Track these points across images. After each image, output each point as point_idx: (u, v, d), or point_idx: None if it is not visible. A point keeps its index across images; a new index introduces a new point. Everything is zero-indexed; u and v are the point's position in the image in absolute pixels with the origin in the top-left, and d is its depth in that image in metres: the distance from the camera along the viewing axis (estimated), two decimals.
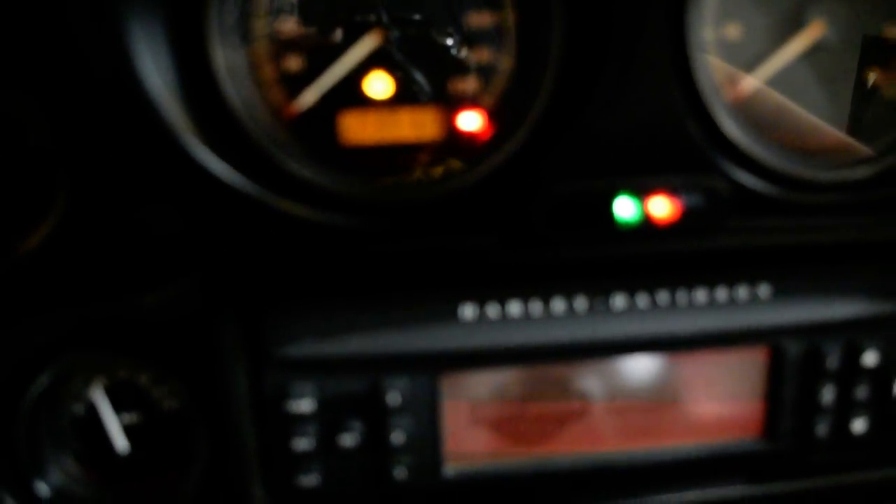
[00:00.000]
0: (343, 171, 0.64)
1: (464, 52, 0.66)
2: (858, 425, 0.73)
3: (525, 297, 0.67)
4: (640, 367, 0.71)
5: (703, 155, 0.64)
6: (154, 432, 0.70)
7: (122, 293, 0.64)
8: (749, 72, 0.66)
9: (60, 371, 0.66)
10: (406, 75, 0.66)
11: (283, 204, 0.62)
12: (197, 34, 0.60)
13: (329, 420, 0.67)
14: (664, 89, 0.62)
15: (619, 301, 0.68)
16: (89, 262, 0.63)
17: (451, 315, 0.66)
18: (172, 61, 0.60)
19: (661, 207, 0.64)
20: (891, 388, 0.72)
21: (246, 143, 0.62)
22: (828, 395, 0.72)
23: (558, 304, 0.67)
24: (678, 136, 0.63)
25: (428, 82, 0.66)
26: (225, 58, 0.61)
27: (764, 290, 0.69)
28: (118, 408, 0.69)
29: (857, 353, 0.71)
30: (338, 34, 0.65)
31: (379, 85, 0.65)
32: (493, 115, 0.66)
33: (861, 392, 0.72)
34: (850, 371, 0.71)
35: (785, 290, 0.69)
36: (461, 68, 0.66)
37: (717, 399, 0.73)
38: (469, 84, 0.66)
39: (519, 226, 0.64)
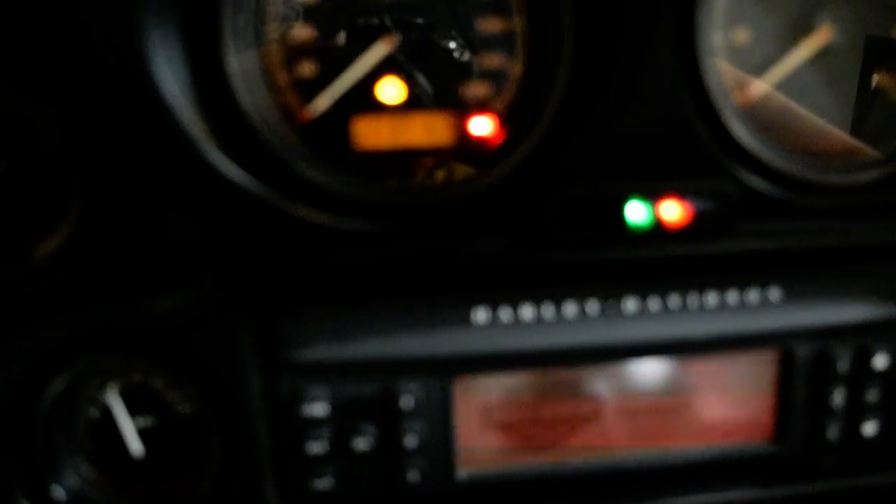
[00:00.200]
0: (356, 176, 0.64)
1: (466, 56, 0.66)
2: (869, 428, 0.73)
3: (537, 301, 0.67)
4: (652, 371, 0.71)
5: (713, 159, 0.64)
6: (168, 436, 0.70)
7: (138, 297, 0.64)
8: (758, 76, 0.66)
9: (76, 374, 0.67)
10: (413, 79, 0.66)
11: (296, 208, 0.63)
12: (211, 40, 0.60)
13: (343, 424, 0.67)
14: (674, 93, 0.62)
15: (630, 305, 0.68)
16: (105, 267, 0.63)
17: (464, 319, 0.67)
18: (187, 66, 0.60)
19: (672, 211, 0.65)
20: None
21: (260, 148, 0.62)
22: (838, 398, 0.72)
23: (570, 308, 0.67)
24: (688, 140, 0.64)
25: (433, 87, 0.67)
26: (239, 63, 0.61)
27: (774, 293, 0.69)
28: (133, 411, 0.70)
29: (867, 356, 0.71)
30: (341, 38, 0.65)
31: (391, 90, 0.66)
32: (505, 120, 0.66)
33: (872, 395, 0.72)
34: (861, 374, 0.71)
35: (795, 293, 0.69)
36: (466, 72, 0.66)
37: (727, 402, 0.73)
38: (480, 89, 0.66)
39: (531, 230, 0.65)
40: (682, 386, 0.72)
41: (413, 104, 0.66)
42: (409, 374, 0.67)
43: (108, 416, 0.70)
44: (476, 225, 0.65)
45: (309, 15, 0.65)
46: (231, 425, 0.68)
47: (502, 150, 0.65)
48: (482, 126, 0.66)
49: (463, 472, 0.71)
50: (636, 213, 0.65)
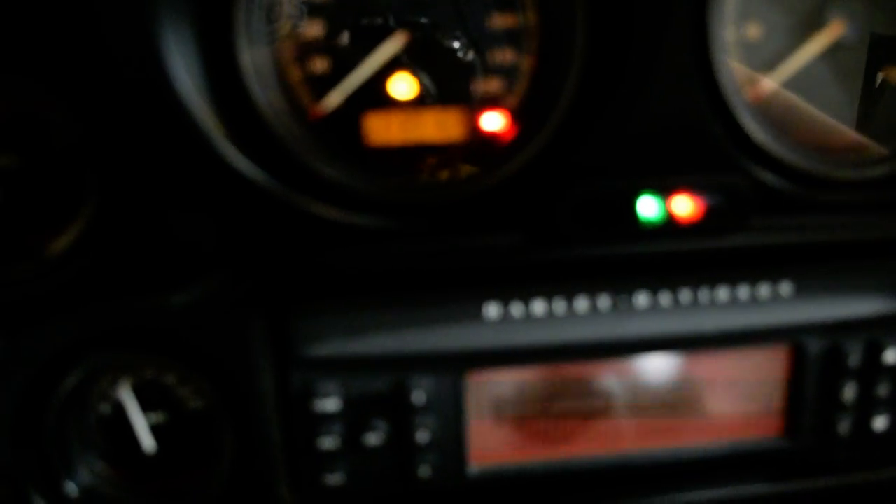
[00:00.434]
0: (368, 172, 0.64)
1: (471, 55, 0.66)
2: (880, 423, 0.73)
3: (549, 296, 0.67)
4: (663, 366, 0.71)
5: (724, 154, 0.65)
6: (180, 431, 0.70)
7: (150, 294, 0.64)
8: (770, 71, 0.66)
9: (88, 371, 0.67)
10: (425, 75, 0.66)
11: (309, 204, 0.63)
12: (225, 36, 0.60)
13: (354, 419, 0.68)
14: (686, 89, 0.62)
15: (641, 300, 0.68)
16: (117, 264, 0.63)
17: (476, 314, 0.67)
18: (201, 63, 0.60)
19: (684, 206, 0.65)
20: None
21: (273, 144, 0.62)
22: (849, 392, 0.72)
23: (582, 303, 0.67)
24: (700, 135, 0.64)
25: (438, 85, 0.67)
26: (252, 60, 0.61)
27: (785, 288, 0.69)
28: (145, 407, 0.70)
29: (878, 350, 0.71)
30: (345, 37, 0.65)
31: (403, 86, 0.66)
32: (517, 116, 0.66)
33: (883, 389, 0.72)
34: (872, 369, 0.71)
35: (806, 288, 0.69)
36: (469, 72, 0.67)
37: (738, 397, 0.73)
38: (492, 85, 0.66)
39: (543, 225, 0.65)
40: (693, 381, 0.72)
41: (425, 100, 0.66)
42: (420, 369, 0.67)
43: (120, 413, 0.70)
44: (488, 220, 0.65)
45: (314, 13, 0.65)
46: (243, 421, 0.68)
47: (514, 146, 0.66)
48: (494, 122, 0.66)
49: (474, 467, 0.71)
50: (648, 208, 0.65)
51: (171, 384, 0.70)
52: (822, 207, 0.68)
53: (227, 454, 0.69)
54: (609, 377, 0.71)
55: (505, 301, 0.67)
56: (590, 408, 0.71)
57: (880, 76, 0.71)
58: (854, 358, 0.71)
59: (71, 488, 0.69)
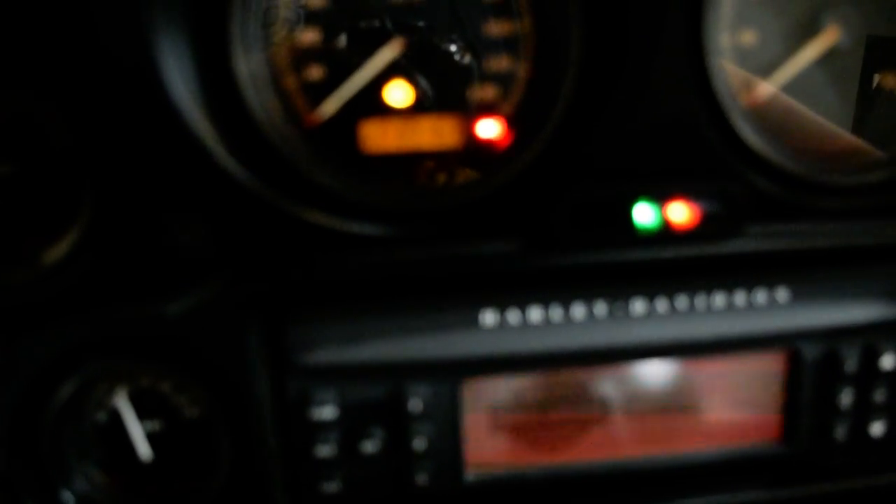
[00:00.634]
0: (364, 179, 0.64)
1: (468, 59, 0.66)
2: (877, 428, 0.73)
3: (545, 303, 0.67)
4: (659, 373, 0.71)
5: (721, 160, 0.65)
6: (177, 439, 0.70)
7: (147, 302, 0.64)
8: (765, 77, 0.66)
9: (85, 379, 0.67)
10: (419, 82, 0.66)
11: (305, 212, 0.63)
12: (220, 43, 0.60)
13: (351, 427, 0.67)
14: (682, 95, 0.63)
15: (638, 306, 0.68)
16: (114, 271, 0.63)
17: (473, 321, 0.67)
18: (196, 70, 0.60)
19: (680, 213, 0.65)
20: None
21: (269, 152, 0.62)
22: (846, 398, 0.72)
23: (578, 310, 0.67)
24: (696, 142, 0.64)
25: (436, 90, 0.67)
26: (247, 67, 0.61)
27: (782, 294, 0.69)
28: (141, 415, 0.70)
29: (875, 356, 0.71)
30: (342, 41, 0.65)
31: (399, 93, 0.66)
32: (513, 123, 0.66)
33: (879, 395, 0.72)
34: (869, 374, 0.71)
35: (803, 294, 0.69)
36: (467, 75, 0.67)
37: (735, 404, 0.73)
38: (487, 92, 0.66)
39: (539, 232, 0.65)
40: (690, 387, 0.72)
41: (421, 107, 0.66)
42: (417, 376, 0.67)
43: (116, 421, 0.70)
44: (484, 227, 0.65)
45: (311, 18, 0.65)
46: (240, 429, 0.68)
47: (510, 153, 0.66)
48: (490, 129, 0.66)
49: (471, 474, 0.71)
50: (644, 214, 0.65)
51: (168, 392, 0.70)
52: (819, 213, 0.68)
53: (223, 462, 0.69)
54: (606, 384, 0.71)
55: (501, 308, 0.67)
56: (586, 414, 0.71)
57: (876, 80, 0.71)
58: (851, 363, 0.71)
59: (67, 497, 0.69)
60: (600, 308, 0.68)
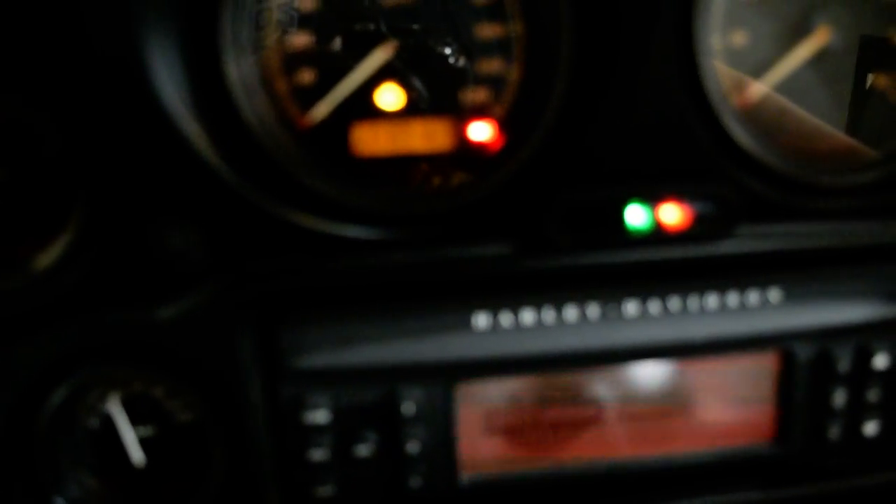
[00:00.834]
0: (356, 183, 0.64)
1: (462, 62, 0.66)
2: (871, 428, 0.73)
3: (538, 305, 0.67)
4: (653, 374, 0.71)
5: (712, 161, 0.65)
6: (170, 445, 0.70)
7: (139, 307, 0.64)
8: (757, 78, 0.66)
9: (77, 385, 0.66)
10: (411, 85, 0.66)
11: (297, 216, 0.63)
12: (211, 47, 0.60)
13: (344, 431, 0.67)
14: (673, 96, 0.63)
15: (631, 308, 0.68)
16: (106, 276, 0.63)
17: (465, 324, 0.67)
18: (186, 74, 0.60)
19: (672, 214, 0.65)
20: None
21: (260, 156, 0.62)
22: (839, 398, 0.72)
23: (571, 312, 0.67)
24: (688, 143, 0.64)
25: (432, 92, 0.67)
26: (238, 71, 0.61)
27: (774, 294, 0.69)
28: (134, 421, 0.70)
29: (868, 355, 0.71)
30: (337, 43, 0.65)
31: (390, 96, 0.66)
32: (504, 125, 0.66)
33: (873, 395, 0.72)
34: (862, 374, 0.71)
35: (795, 294, 0.69)
36: (463, 78, 0.66)
37: (729, 404, 0.73)
38: (479, 95, 0.66)
39: (531, 234, 0.65)
40: (683, 389, 0.72)
41: (412, 110, 0.66)
42: (410, 379, 0.67)
43: (109, 426, 0.69)
44: (476, 231, 0.65)
45: (305, 21, 0.65)
46: (233, 433, 0.68)
47: (502, 156, 0.66)
48: (481, 132, 0.66)
49: (465, 477, 0.71)
50: (636, 216, 0.65)
51: (161, 397, 0.69)
52: (811, 214, 0.68)
53: (217, 467, 0.69)
54: (599, 385, 0.71)
55: (494, 311, 0.67)
56: (580, 416, 0.71)
57: (869, 80, 0.71)
58: (844, 363, 0.71)
59: (60, 503, 0.69)
60: (593, 310, 0.68)
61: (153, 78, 0.57)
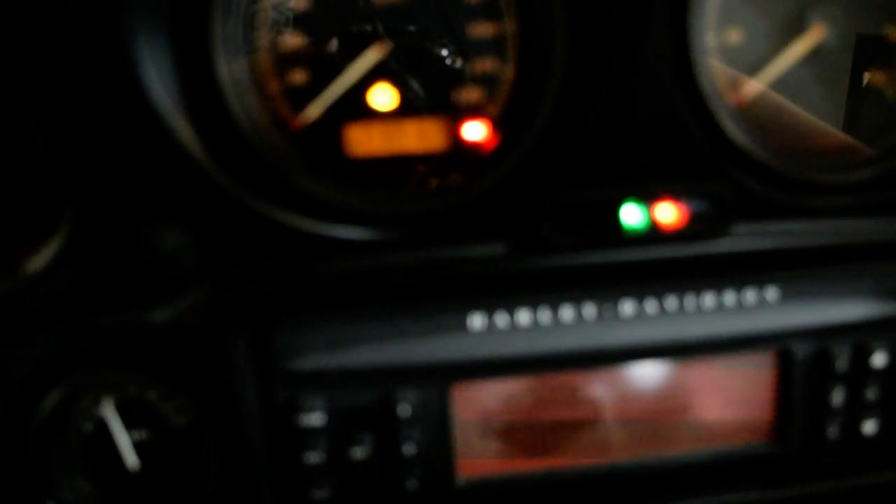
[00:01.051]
0: (350, 184, 0.64)
1: (459, 63, 0.66)
2: (869, 427, 0.72)
3: (534, 306, 0.67)
4: (650, 374, 0.71)
5: (707, 159, 0.64)
6: (164, 448, 0.70)
7: (131, 310, 0.63)
8: (752, 76, 0.66)
9: (70, 389, 0.66)
10: (405, 85, 0.66)
11: (290, 217, 0.62)
12: (202, 47, 0.60)
13: (340, 433, 0.67)
14: (668, 94, 0.62)
15: (627, 307, 0.67)
16: (97, 280, 0.63)
17: (461, 325, 0.66)
18: (177, 75, 0.60)
19: (668, 213, 0.65)
20: None
21: (252, 157, 0.62)
22: (838, 397, 0.71)
23: (567, 312, 0.67)
24: (683, 141, 0.64)
25: (426, 92, 0.66)
26: (229, 71, 0.61)
27: (771, 293, 0.69)
28: (128, 424, 0.69)
29: (866, 354, 0.71)
30: (333, 44, 0.65)
31: (383, 97, 0.65)
32: (498, 125, 0.66)
33: (871, 393, 0.72)
34: (860, 372, 0.71)
35: (792, 293, 0.69)
36: (459, 78, 0.66)
37: (727, 404, 0.72)
38: (473, 94, 0.66)
39: (526, 235, 0.64)
40: (681, 388, 0.72)
41: (406, 110, 0.65)
42: (405, 381, 0.67)
43: (103, 430, 0.69)
44: (471, 231, 0.65)
45: (300, 21, 0.64)
46: (228, 437, 0.67)
47: (496, 156, 0.65)
48: (475, 131, 0.66)
49: (462, 478, 0.70)
50: (632, 215, 0.64)
51: (155, 401, 0.69)
52: (807, 212, 0.68)
53: (211, 470, 0.68)
54: (596, 386, 0.70)
55: (489, 311, 0.66)
56: (577, 417, 0.71)
57: (866, 77, 0.71)
58: (842, 362, 0.70)
59: None
60: (589, 310, 0.67)
61: (143, 78, 0.57)
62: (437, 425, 0.68)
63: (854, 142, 0.71)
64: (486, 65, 0.65)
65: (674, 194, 0.64)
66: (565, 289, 0.67)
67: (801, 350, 0.71)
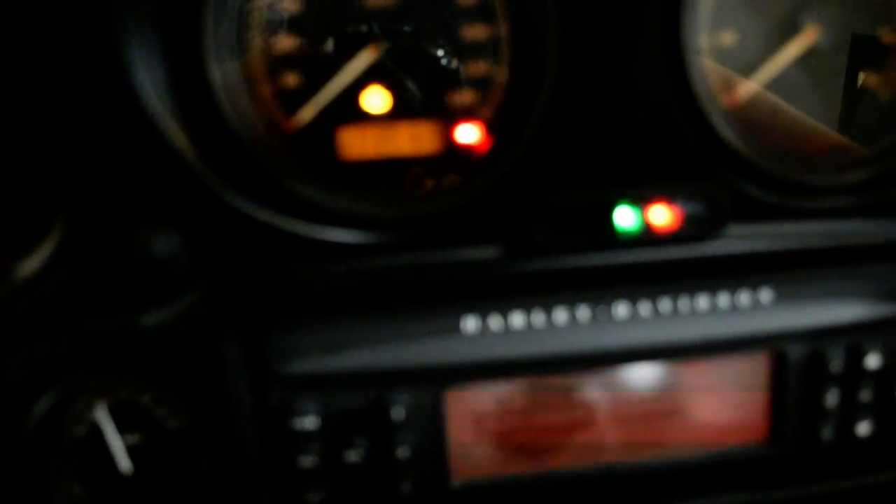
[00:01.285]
0: (343, 187, 0.64)
1: (454, 64, 0.66)
2: (863, 428, 0.73)
3: (527, 309, 0.66)
4: (645, 376, 0.71)
5: (701, 161, 0.64)
6: (158, 452, 0.69)
7: (124, 313, 0.63)
8: (745, 77, 0.66)
9: (63, 393, 0.66)
10: (400, 87, 0.66)
11: (283, 220, 0.62)
12: (194, 51, 0.59)
13: (334, 436, 0.67)
14: (661, 97, 0.62)
15: (621, 310, 0.67)
16: (90, 283, 0.63)
17: (454, 328, 0.66)
18: (169, 78, 0.60)
19: (661, 216, 0.64)
20: (894, 389, 0.72)
21: (245, 160, 0.61)
22: (832, 398, 0.71)
23: (561, 315, 0.67)
24: (676, 144, 0.64)
25: (422, 94, 0.66)
26: (222, 74, 0.61)
27: (765, 295, 0.69)
28: (121, 428, 0.69)
29: (859, 355, 0.71)
30: (329, 45, 0.65)
31: (376, 99, 0.65)
32: (492, 128, 0.66)
33: (865, 395, 0.72)
34: (854, 374, 0.71)
35: (786, 294, 0.69)
36: (454, 80, 0.66)
37: (721, 406, 0.73)
38: (466, 97, 0.66)
39: (520, 237, 0.64)
40: (675, 390, 0.72)
41: (399, 113, 0.65)
42: (399, 385, 0.67)
43: (96, 434, 0.69)
44: (464, 234, 0.64)
45: (295, 23, 0.64)
46: (221, 440, 0.67)
47: (489, 158, 0.65)
48: (469, 134, 0.66)
49: (456, 482, 0.70)
50: (625, 218, 0.64)
51: (148, 404, 0.69)
52: (801, 214, 0.68)
53: (205, 474, 0.68)
54: (590, 388, 0.70)
55: (483, 314, 0.66)
56: (572, 419, 0.71)
57: (859, 79, 0.71)
58: (836, 364, 0.70)
59: None
60: (583, 312, 0.67)
61: (135, 80, 0.57)
62: (432, 429, 0.68)
63: (848, 143, 0.71)
64: (479, 67, 0.65)
65: (667, 196, 0.64)
66: (559, 291, 0.67)
67: (795, 352, 0.71)
